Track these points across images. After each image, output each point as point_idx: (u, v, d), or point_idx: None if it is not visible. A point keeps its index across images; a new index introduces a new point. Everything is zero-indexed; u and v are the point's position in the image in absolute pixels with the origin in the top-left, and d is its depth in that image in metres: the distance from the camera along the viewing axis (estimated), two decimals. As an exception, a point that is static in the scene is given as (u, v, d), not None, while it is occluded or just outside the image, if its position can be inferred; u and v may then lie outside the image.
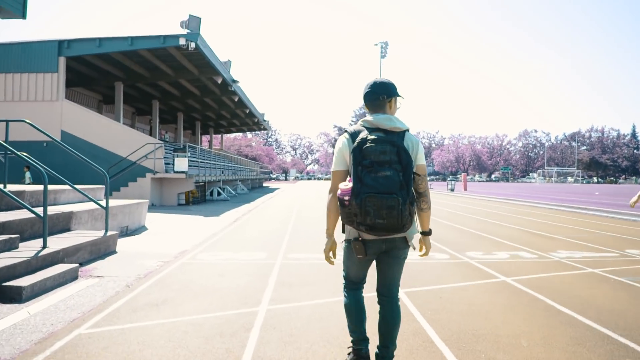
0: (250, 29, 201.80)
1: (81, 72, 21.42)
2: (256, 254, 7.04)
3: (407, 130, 2.66)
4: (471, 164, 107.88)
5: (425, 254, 2.83)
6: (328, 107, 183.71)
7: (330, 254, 2.84)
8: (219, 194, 22.39)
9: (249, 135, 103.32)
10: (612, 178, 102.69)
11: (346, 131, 2.70)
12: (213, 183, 23.20)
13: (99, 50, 17.24)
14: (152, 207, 16.20)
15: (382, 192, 2.40)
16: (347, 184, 2.55)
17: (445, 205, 19.59)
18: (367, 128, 2.63)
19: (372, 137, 2.52)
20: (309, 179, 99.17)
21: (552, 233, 9.98)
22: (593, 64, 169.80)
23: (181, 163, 16.29)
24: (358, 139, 2.55)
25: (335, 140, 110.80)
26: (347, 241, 2.75)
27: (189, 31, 16.62)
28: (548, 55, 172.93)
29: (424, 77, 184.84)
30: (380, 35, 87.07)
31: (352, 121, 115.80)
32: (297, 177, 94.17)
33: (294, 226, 10.78)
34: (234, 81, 24.67)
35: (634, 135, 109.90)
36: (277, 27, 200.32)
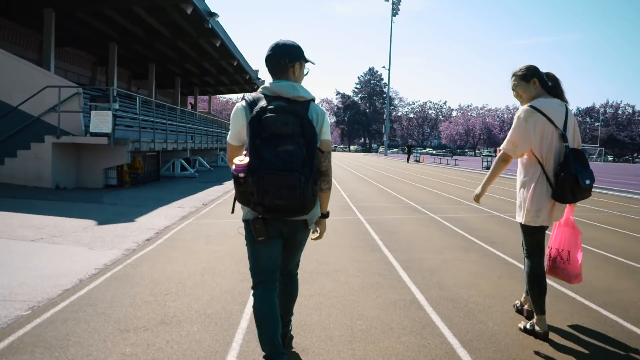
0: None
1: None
2: None
3: (312, 100, 2.30)
4: (481, 137, 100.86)
5: (320, 236, 2.49)
6: (331, 72, 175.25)
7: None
8: (183, 168, 16.07)
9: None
10: (627, 157, 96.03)
11: (244, 98, 2.28)
12: (177, 152, 16.85)
13: None
14: (55, 193, 9.96)
15: (282, 168, 2.00)
16: (242, 159, 2.08)
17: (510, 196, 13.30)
18: (266, 96, 2.22)
19: (273, 106, 2.08)
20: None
21: None
22: (606, 38, 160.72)
23: (100, 120, 9.84)
24: (257, 108, 2.11)
25: (338, 108, 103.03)
26: (246, 221, 2.27)
27: None
28: (564, 29, 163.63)
29: (435, 42, 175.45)
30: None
31: (356, 88, 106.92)
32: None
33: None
34: (211, 14, 17.94)
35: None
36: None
